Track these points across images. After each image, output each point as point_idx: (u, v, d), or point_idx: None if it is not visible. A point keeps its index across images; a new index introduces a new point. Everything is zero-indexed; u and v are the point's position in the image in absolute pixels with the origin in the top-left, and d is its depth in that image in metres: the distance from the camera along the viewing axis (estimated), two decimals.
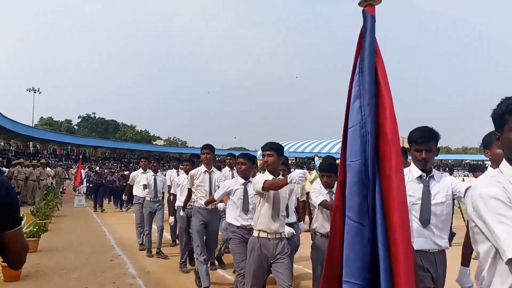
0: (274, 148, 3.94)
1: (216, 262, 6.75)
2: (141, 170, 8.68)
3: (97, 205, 15.99)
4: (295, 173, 3.43)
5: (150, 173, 8.08)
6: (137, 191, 8.49)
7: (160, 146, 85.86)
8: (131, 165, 43.32)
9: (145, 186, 7.97)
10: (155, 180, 7.89)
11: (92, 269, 6.51)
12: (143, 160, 9.02)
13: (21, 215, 1.74)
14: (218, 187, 5.40)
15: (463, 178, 53.95)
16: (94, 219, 13.35)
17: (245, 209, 4.51)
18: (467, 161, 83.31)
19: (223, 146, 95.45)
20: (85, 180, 19.84)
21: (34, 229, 7.42)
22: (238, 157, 4.82)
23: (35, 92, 57.77)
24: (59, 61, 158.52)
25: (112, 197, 17.87)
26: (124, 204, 15.74)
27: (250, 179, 4.63)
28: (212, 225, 5.71)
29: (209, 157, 5.75)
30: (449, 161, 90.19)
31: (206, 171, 5.73)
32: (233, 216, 4.59)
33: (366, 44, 1.62)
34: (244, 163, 4.62)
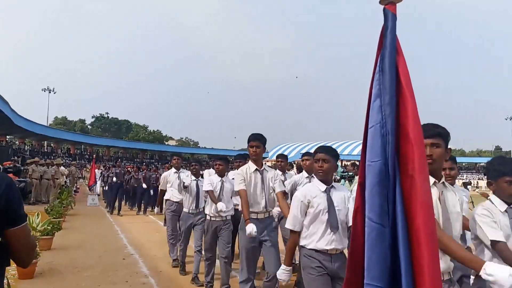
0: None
1: None
2: (173, 170, 7.41)
3: (113, 207, 14.71)
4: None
5: (190, 177, 6.42)
6: (170, 194, 7.20)
7: (172, 146, 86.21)
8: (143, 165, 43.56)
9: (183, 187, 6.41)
10: (197, 186, 6.23)
11: (105, 268, 6.54)
12: (176, 158, 7.62)
13: (25, 213, 1.73)
14: (274, 190, 4.53)
15: (477, 181, 53.28)
16: (107, 218, 13.45)
17: None
18: (482, 164, 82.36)
19: (234, 147, 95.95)
20: (99, 179, 19.47)
21: (48, 228, 7.49)
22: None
23: (50, 92, 58.55)
24: (73, 61, 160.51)
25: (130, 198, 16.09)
26: (143, 207, 14.98)
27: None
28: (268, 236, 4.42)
29: (258, 151, 4.60)
30: (463, 164, 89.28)
31: (256, 169, 4.58)
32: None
33: (387, 42, 1.59)
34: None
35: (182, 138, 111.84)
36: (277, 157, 7.10)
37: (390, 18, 1.59)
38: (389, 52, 1.58)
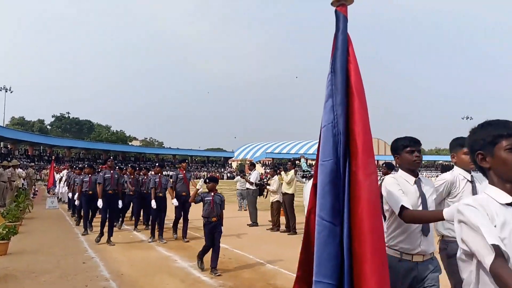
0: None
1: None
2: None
3: (89, 225, 10.33)
4: None
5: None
6: None
7: (136, 146, 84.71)
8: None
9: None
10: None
11: (64, 272, 6.35)
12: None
13: None
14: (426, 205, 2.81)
15: (435, 178, 55.14)
16: (66, 221, 13.04)
17: None
18: (440, 162, 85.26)
19: (200, 147, 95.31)
20: (63, 183, 16.87)
21: (4, 232, 7.22)
22: None
23: (6, 91, 56.22)
24: (32, 59, 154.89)
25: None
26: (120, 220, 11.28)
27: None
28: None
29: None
30: (423, 162, 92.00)
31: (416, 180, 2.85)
32: None
33: (338, 44, 1.62)
34: None
35: (147, 138, 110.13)
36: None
37: (341, 20, 1.62)
38: (340, 53, 1.61)
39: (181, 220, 9.46)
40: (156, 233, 9.25)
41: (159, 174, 9.75)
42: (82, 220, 10.89)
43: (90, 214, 10.37)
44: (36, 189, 23.81)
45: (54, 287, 5.61)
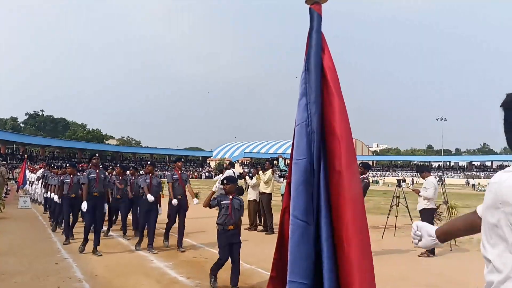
0: None
1: None
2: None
3: (70, 232, 9.04)
4: None
5: None
6: None
7: (113, 145, 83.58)
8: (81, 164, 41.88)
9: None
10: None
11: (36, 274, 6.19)
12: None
13: None
14: None
15: (412, 179, 56.03)
16: (39, 221, 12.75)
17: None
18: (415, 162, 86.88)
19: (178, 146, 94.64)
20: (39, 183, 16.01)
21: None
22: None
23: None
24: (5, 56, 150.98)
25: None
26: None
27: None
28: None
29: None
30: (398, 162, 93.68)
31: None
32: None
33: (312, 42, 1.61)
34: None
35: (124, 137, 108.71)
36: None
37: (315, 18, 1.62)
38: (314, 52, 1.60)
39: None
40: (145, 240, 8.09)
41: (150, 174, 8.50)
42: (60, 226, 10.02)
43: (72, 219, 9.13)
44: (9, 188, 23.22)
45: None
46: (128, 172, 10.49)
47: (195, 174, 69.79)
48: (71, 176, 9.26)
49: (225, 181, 5.64)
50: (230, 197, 5.49)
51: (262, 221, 10.90)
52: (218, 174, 17.43)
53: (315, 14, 1.61)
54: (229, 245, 5.40)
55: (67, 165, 10.45)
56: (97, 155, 8.58)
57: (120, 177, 10.03)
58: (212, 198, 5.57)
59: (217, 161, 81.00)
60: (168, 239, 8.49)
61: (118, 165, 11.80)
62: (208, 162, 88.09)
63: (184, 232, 8.16)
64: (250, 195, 11.10)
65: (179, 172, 8.36)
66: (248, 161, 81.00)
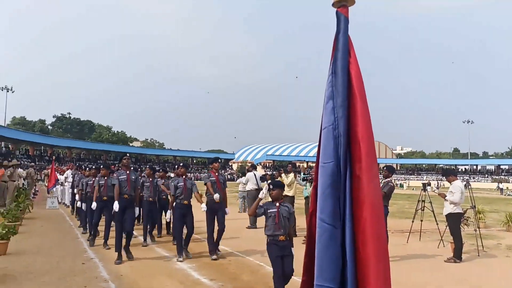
0: None
1: None
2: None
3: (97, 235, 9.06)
4: None
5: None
6: None
7: (137, 147, 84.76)
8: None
9: None
10: None
11: (63, 273, 6.32)
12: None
13: None
14: None
15: (437, 182, 54.88)
16: (66, 221, 13.03)
17: None
18: (440, 165, 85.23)
19: (201, 148, 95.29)
20: (67, 185, 16.13)
21: (3, 232, 7.20)
22: None
23: (8, 91, 56.43)
24: (34, 59, 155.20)
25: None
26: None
27: None
28: None
29: None
30: (423, 165, 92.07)
31: None
32: None
33: (339, 45, 1.60)
34: None
35: (147, 139, 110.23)
36: None
37: (342, 21, 1.60)
38: (341, 55, 1.59)
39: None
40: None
41: (183, 177, 7.86)
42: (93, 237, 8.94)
43: (105, 222, 8.50)
44: (37, 189, 23.80)
45: None
46: (156, 175, 10.10)
47: None
48: (105, 178, 8.70)
49: (271, 186, 4.97)
50: (277, 204, 4.84)
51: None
52: (241, 177, 17.49)
53: (342, 16, 1.59)
54: (281, 257, 4.75)
55: (101, 166, 9.45)
56: (128, 155, 8.13)
57: (150, 179, 9.59)
58: (258, 206, 4.97)
59: (240, 164, 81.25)
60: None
61: (148, 166, 10.82)
62: (230, 164, 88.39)
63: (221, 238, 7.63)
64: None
65: (217, 174, 7.79)
66: (270, 164, 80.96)
